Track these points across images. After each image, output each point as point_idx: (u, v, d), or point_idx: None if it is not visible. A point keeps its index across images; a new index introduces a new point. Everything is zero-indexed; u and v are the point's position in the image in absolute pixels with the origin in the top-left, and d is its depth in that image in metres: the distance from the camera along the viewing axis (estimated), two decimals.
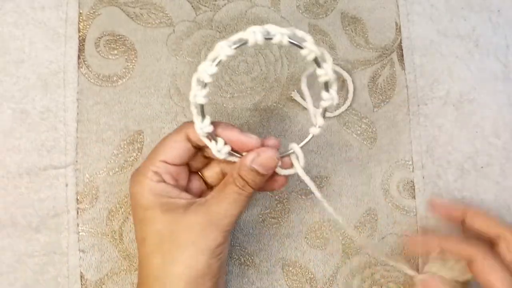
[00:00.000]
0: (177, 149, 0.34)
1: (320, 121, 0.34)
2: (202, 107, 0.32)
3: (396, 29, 0.45)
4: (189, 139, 0.34)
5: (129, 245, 0.40)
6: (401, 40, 0.44)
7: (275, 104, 0.42)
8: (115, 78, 0.41)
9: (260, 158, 0.33)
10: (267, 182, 0.35)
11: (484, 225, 0.37)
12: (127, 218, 0.40)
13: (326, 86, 0.32)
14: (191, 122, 0.33)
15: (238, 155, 0.34)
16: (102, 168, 0.40)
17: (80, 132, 0.40)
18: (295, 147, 0.34)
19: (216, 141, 0.33)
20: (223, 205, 0.33)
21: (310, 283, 0.41)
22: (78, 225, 0.39)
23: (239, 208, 0.33)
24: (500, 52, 0.46)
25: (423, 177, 0.43)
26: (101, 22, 0.41)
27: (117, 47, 0.41)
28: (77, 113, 0.40)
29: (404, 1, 0.45)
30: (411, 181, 0.43)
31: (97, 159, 0.40)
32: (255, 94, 0.42)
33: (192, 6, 0.43)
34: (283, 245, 0.42)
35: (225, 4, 0.43)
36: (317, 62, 0.31)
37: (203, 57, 0.42)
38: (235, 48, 0.30)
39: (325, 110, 0.34)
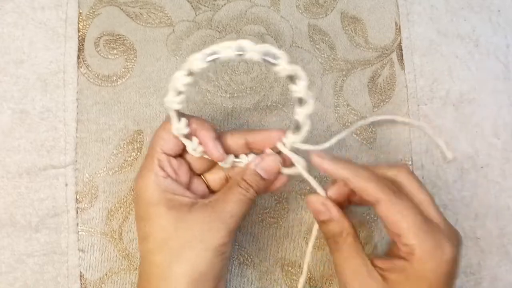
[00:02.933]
0: (170, 139, 0.35)
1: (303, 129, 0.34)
2: (178, 111, 0.33)
3: (396, 29, 0.45)
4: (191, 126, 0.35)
5: (128, 244, 0.40)
6: (401, 40, 0.44)
7: (274, 104, 0.42)
8: (114, 78, 0.41)
9: (263, 163, 0.35)
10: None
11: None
12: (127, 217, 0.40)
13: (300, 101, 0.33)
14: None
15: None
16: (101, 168, 0.40)
17: (80, 132, 0.40)
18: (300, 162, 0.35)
19: (191, 140, 0.34)
20: (229, 205, 0.33)
21: (309, 283, 0.41)
22: (77, 224, 0.40)
23: (243, 209, 0.34)
24: (500, 52, 0.45)
25: (423, 177, 0.43)
26: (100, 22, 0.42)
27: (117, 47, 0.41)
28: (77, 113, 0.40)
29: (404, 1, 0.45)
30: None
31: (97, 158, 0.40)
32: (255, 94, 0.42)
33: (192, 6, 0.43)
34: (282, 245, 0.42)
35: (224, 4, 0.43)
36: (291, 78, 0.32)
37: None
38: (209, 61, 0.30)
39: (297, 123, 0.34)
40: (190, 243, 0.32)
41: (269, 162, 0.35)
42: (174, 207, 0.33)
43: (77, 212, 0.40)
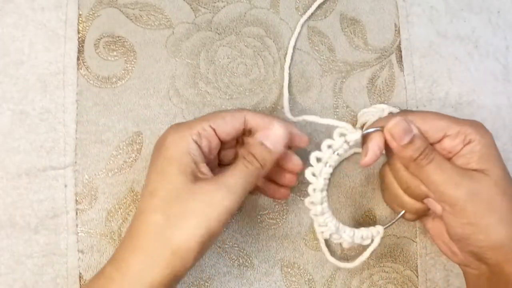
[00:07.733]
0: (231, 125, 0.35)
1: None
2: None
3: (395, 30, 0.45)
4: (245, 122, 0.36)
5: None
6: (400, 41, 0.44)
7: (273, 106, 0.43)
8: (114, 80, 0.41)
9: (269, 133, 0.35)
10: (273, 186, 0.38)
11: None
12: (126, 219, 0.40)
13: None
14: (248, 110, 0.37)
15: None
16: (101, 169, 0.40)
17: (79, 133, 0.40)
18: None
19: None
20: (232, 178, 0.33)
21: (308, 284, 0.41)
22: (77, 225, 0.40)
23: (246, 184, 0.34)
24: (499, 53, 0.45)
25: None
26: (100, 23, 0.42)
27: (117, 48, 0.42)
28: (76, 114, 0.40)
29: (404, 3, 0.45)
30: None
31: (96, 160, 0.40)
32: (254, 96, 0.42)
33: (192, 8, 0.43)
34: (282, 246, 0.42)
35: (224, 6, 0.43)
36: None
37: (202, 58, 0.42)
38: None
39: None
40: (192, 215, 0.32)
41: (276, 132, 0.35)
42: (188, 173, 0.33)
43: (76, 213, 0.40)
